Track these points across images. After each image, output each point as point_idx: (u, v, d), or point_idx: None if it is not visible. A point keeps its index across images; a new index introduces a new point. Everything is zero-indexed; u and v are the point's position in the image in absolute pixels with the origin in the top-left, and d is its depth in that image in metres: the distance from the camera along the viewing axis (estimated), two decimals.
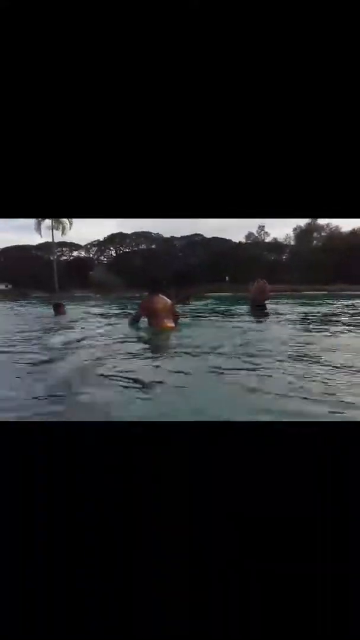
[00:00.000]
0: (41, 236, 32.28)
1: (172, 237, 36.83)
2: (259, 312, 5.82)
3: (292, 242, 35.98)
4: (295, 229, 35.53)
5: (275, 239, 36.09)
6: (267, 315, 5.91)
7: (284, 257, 35.64)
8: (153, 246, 36.76)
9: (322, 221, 33.86)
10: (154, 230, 36.94)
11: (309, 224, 34.66)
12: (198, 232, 36.47)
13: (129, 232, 36.73)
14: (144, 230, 36.75)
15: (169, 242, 36.79)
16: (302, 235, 35.26)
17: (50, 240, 32.61)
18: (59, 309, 7.23)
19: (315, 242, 35.04)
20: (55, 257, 32.73)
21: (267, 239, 36.03)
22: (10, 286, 31.20)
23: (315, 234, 35.21)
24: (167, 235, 36.83)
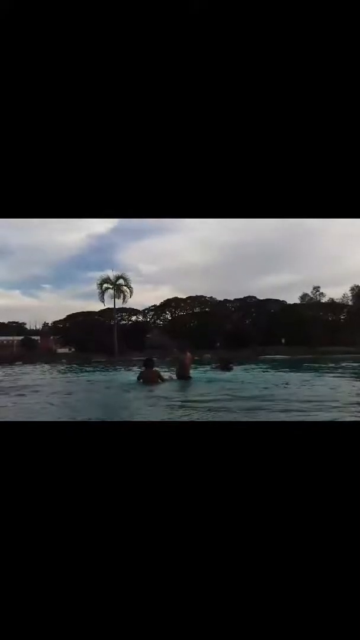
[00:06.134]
0: (104, 305, 34.41)
1: (226, 299, 37.64)
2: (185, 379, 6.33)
3: (350, 302, 34.95)
4: (352, 289, 34.67)
5: (331, 299, 35.34)
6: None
7: (342, 317, 34.54)
8: (207, 309, 37.65)
9: None
10: (207, 294, 38.10)
11: None
12: (251, 294, 36.98)
13: (184, 296, 38.22)
14: (198, 294, 38.06)
15: (223, 304, 37.57)
16: None
17: (111, 306, 34.71)
18: None
19: None
20: (115, 321, 34.53)
21: (323, 300, 35.40)
22: (73, 349, 33.29)
23: None
24: (220, 298, 37.75)
